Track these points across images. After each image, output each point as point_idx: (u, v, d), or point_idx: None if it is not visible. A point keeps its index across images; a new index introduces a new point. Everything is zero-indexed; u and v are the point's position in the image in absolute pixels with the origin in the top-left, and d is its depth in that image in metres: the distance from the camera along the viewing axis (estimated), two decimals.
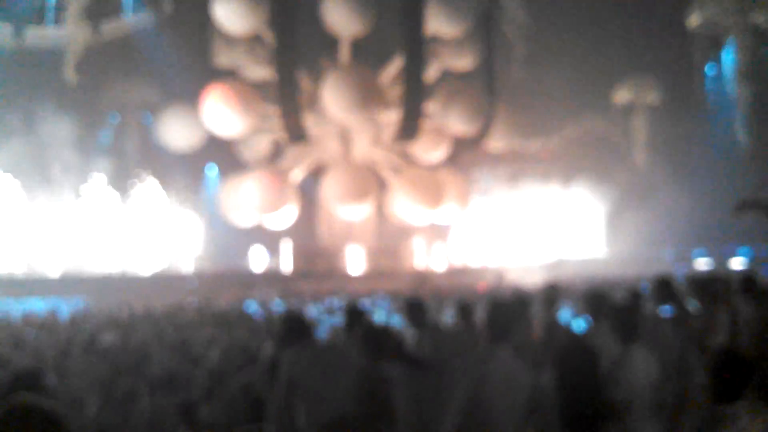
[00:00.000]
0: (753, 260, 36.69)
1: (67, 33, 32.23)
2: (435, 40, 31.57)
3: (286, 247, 34.76)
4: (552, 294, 7.58)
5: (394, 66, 31.47)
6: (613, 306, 5.00)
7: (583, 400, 3.70)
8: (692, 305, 6.88)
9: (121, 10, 34.12)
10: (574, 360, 3.88)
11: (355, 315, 5.85)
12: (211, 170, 36.07)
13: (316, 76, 32.39)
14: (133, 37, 33.96)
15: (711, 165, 43.21)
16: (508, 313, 4.43)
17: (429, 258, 37.64)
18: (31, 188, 31.53)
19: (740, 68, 43.48)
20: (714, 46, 45.02)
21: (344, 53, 31.57)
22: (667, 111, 48.34)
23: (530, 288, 20.75)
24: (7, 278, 28.03)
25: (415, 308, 6.49)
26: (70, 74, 31.82)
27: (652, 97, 48.89)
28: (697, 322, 6.05)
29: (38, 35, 33.07)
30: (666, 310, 5.78)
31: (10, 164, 31.12)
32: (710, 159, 43.89)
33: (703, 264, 40.16)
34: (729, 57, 45.26)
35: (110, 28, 33.69)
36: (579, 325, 6.93)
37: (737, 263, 37.39)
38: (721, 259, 40.55)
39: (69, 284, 27.24)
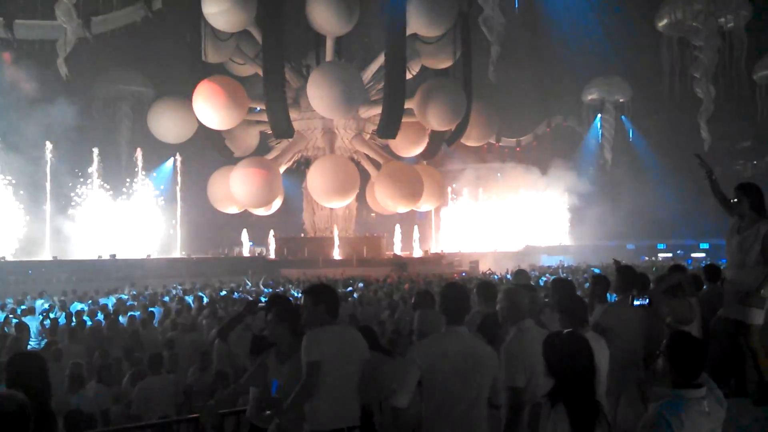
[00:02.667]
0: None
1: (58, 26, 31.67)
2: (416, 38, 32.35)
3: (271, 235, 35.71)
4: (521, 279, 7.70)
5: (377, 64, 32.36)
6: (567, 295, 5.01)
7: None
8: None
9: (113, 5, 33.89)
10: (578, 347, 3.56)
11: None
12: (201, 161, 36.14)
13: (302, 73, 33.34)
14: (123, 31, 34.09)
15: (675, 162, 44.21)
16: (462, 295, 4.52)
17: (407, 246, 38.81)
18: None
19: (706, 69, 43.85)
20: (682, 47, 45.37)
21: (329, 51, 32.42)
22: (634, 109, 49.60)
23: (501, 273, 22.32)
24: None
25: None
26: (60, 68, 31.39)
27: (620, 96, 50.11)
28: (665, 310, 6.00)
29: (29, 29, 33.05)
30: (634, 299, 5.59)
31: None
32: (674, 156, 44.88)
33: (664, 257, 41.77)
34: (696, 58, 45.36)
35: (101, 21, 33.56)
36: None
37: (697, 256, 38.99)
38: (682, 252, 42.17)
39: (60, 268, 27.20)
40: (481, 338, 4.77)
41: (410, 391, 4.15)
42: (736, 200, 6.28)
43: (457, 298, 4.45)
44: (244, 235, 37.40)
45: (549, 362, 3.54)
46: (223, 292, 17.95)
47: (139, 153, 34.92)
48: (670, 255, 42.38)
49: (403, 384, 4.16)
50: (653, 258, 41.08)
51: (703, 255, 39.46)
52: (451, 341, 4.27)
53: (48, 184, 32.27)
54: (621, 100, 50.28)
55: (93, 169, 33.79)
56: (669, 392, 3.42)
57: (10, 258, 30.00)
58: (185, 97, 30.18)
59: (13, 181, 31.59)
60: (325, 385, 4.40)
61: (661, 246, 45.32)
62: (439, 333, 4.40)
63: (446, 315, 4.39)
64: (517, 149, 52.96)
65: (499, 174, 49.18)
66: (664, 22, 43.26)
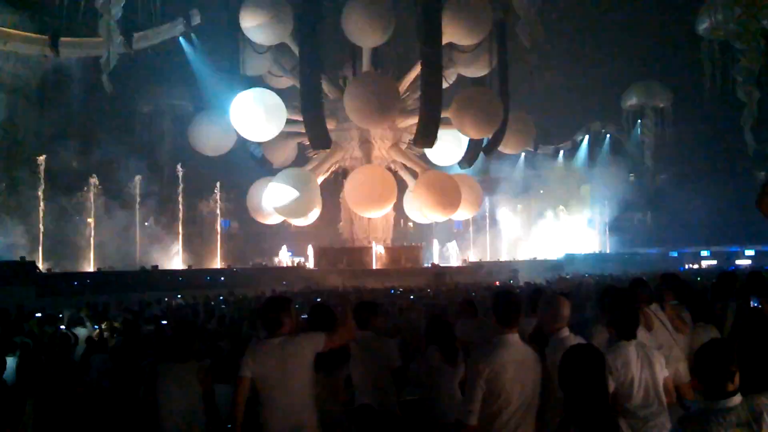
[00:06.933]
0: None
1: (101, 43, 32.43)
2: (452, 47, 32.40)
3: (310, 245, 35.93)
4: (562, 286, 8.01)
5: (413, 73, 32.44)
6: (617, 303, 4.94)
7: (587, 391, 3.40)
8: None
9: (153, 21, 34.59)
10: (581, 357, 3.58)
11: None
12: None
13: (339, 84, 33.55)
14: (164, 46, 34.79)
15: (718, 167, 43.50)
16: (516, 302, 4.53)
17: (445, 255, 38.70)
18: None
19: (749, 72, 43.10)
20: (723, 50, 44.67)
21: (365, 62, 32.62)
22: (675, 115, 48.84)
23: (542, 282, 22.11)
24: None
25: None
26: (105, 83, 32.12)
27: (660, 101, 49.41)
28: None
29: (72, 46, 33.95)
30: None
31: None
32: (718, 162, 44.17)
33: (708, 264, 40.92)
34: (738, 61, 44.65)
35: (141, 37, 34.29)
36: None
37: (742, 263, 38.11)
38: (726, 259, 41.26)
39: (104, 279, 27.85)
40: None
41: (479, 406, 4.18)
42: None
43: (508, 305, 4.47)
44: (284, 246, 37.75)
45: (559, 374, 3.57)
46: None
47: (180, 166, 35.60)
48: (714, 262, 41.56)
49: (473, 401, 4.20)
50: (693, 266, 40.33)
51: (748, 262, 38.58)
52: (508, 349, 4.32)
53: (91, 196, 32.97)
54: (661, 106, 49.59)
55: (136, 181, 34.48)
56: (697, 404, 3.44)
57: (56, 269, 30.60)
58: (224, 110, 30.48)
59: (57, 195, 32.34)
60: (270, 398, 4.58)
61: (705, 253, 44.44)
62: (496, 340, 4.41)
63: (499, 322, 4.42)
64: (556, 157, 52.48)
65: (537, 181, 48.78)
66: (705, 25, 42.63)
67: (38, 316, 15.01)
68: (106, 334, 12.08)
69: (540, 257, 39.57)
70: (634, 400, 4.43)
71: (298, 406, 4.62)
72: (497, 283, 26.19)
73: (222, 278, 30.70)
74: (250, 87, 30.73)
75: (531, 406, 4.31)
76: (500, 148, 34.49)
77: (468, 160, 35.53)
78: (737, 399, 3.30)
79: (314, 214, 32.05)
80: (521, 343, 4.41)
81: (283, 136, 32.36)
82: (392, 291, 20.90)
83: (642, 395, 4.47)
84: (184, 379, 5.18)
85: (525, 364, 4.31)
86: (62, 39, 33.33)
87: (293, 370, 4.62)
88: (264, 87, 31.88)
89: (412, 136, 32.06)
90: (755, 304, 5.13)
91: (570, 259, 39.22)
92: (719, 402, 3.29)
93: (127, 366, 8.16)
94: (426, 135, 30.15)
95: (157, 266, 31.49)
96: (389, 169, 33.28)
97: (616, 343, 4.62)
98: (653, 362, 4.57)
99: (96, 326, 13.78)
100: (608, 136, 52.67)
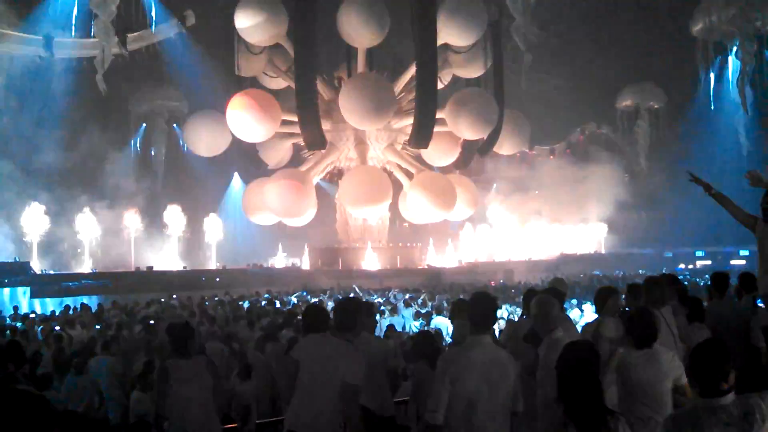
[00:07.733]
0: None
1: (95, 44, 32.36)
2: (447, 48, 32.38)
3: (305, 246, 35.89)
4: (557, 287, 7.89)
5: (408, 74, 32.42)
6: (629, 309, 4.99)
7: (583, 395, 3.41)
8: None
9: (147, 22, 34.55)
10: (576, 355, 3.60)
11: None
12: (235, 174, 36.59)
13: (334, 85, 33.52)
14: (158, 47, 34.73)
15: (713, 167, 43.43)
16: (488, 305, 4.49)
17: (441, 256, 38.67)
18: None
19: (743, 73, 43.28)
20: (717, 51, 44.85)
21: (360, 62, 32.60)
22: (670, 115, 48.89)
23: (537, 282, 22.16)
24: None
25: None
26: (99, 84, 32.05)
27: (655, 102, 49.46)
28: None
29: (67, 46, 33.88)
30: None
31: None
32: (712, 162, 44.16)
33: (703, 264, 41.00)
34: (732, 62, 44.86)
35: (136, 38, 34.22)
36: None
37: (737, 264, 38.12)
38: (721, 259, 41.29)
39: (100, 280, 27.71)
40: (530, 347, 4.82)
41: (444, 406, 4.14)
42: None
43: (484, 307, 4.44)
44: (279, 246, 37.67)
45: (557, 371, 3.60)
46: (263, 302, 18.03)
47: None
48: (709, 262, 41.61)
49: (438, 401, 4.16)
50: (688, 266, 40.38)
51: (743, 262, 38.62)
52: (477, 350, 4.27)
53: (85, 196, 32.86)
54: (656, 106, 49.67)
55: (131, 181, 34.42)
56: (691, 401, 3.46)
57: (51, 271, 30.43)
58: (219, 110, 30.48)
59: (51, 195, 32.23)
60: (306, 388, 4.66)
61: (699, 253, 44.51)
62: (465, 342, 4.42)
63: (473, 324, 4.40)
64: (551, 157, 52.49)
65: (533, 182, 48.75)
66: (699, 26, 42.81)
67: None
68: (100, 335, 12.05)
69: (535, 257, 39.59)
70: (645, 407, 4.41)
71: (329, 407, 4.65)
72: (492, 283, 26.30)
73: (217, 279, 30.64)
74: (245, 88, 30.70)
75: (503, 407, 4.24)
76: (495, 149, 34.48)
77: (463, 161, 35.62)
78: (730, 397, 3.31)
79: (309, 214, 32.07)
80: (492, 345, 4.40)
81: (278, 136, 32.35)
82: (388, 292, 20.87)
83: (653, 402, 4.44)
84: (194, 374, 5.36)
85: (495, 366, 4.24)
86: (56, 39, 33.32)
87: (338, 372, 4.65)
88: (259, 88, 31.88)
89: (407, 137, 32.10)
90: (761, 304, 5.11)
91: (565, 258, 39.27)
92: (711, 400, 3.29)
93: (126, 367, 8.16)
94: (421, 136, 30.20)
95: (152, 267, 31.45)
96: (384, 169, 33.22)
97: (631, 349, 4.63)
98: (666, 370, 4.54)
99: (98, 325, 13.79)
100: (603, 136, 52.72)
